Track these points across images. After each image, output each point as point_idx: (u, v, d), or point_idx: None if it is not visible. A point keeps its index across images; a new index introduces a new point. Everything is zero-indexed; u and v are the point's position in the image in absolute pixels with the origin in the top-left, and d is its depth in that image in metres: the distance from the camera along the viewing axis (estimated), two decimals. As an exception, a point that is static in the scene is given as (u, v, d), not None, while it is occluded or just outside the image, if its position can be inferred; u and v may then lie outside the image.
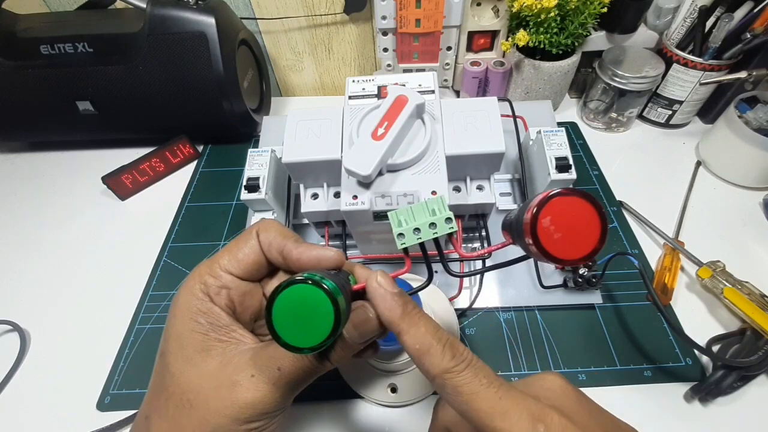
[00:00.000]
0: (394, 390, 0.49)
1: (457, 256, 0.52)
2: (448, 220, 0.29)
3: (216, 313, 0.31)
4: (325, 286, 0.25)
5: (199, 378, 0.29)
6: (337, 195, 0.48)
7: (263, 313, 0.26)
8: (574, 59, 0.74)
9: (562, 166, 0.49)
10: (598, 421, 0.26)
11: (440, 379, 0.26)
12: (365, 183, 0.40)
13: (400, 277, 0.32)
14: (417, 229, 0.29)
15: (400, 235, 0.29)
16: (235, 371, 0.29)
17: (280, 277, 0.35)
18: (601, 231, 0.24)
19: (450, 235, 0.29)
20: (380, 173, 0.41)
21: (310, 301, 0.25)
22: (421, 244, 0.30)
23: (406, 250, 0.30)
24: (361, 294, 0.30)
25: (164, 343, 0.31)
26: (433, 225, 0.29)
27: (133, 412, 0.50)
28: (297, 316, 0.25)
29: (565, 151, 0.50)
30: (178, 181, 0.75)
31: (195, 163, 0.79)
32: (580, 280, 0.52)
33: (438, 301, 0.53)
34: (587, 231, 0.25)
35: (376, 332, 0.30)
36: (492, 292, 0.56)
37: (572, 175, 0.49)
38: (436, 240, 0.30)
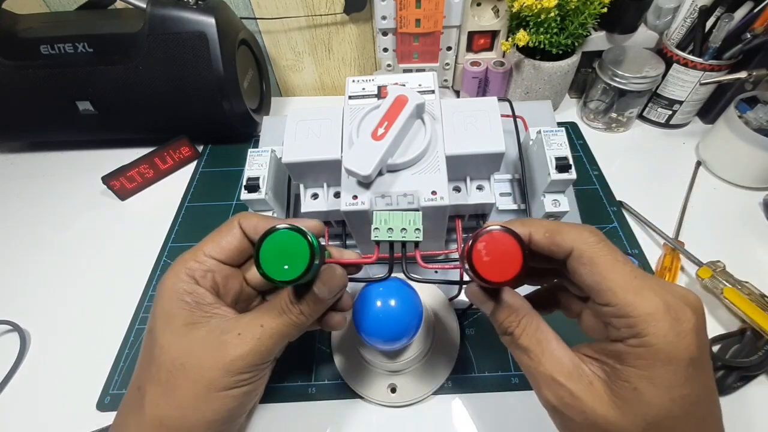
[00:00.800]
0: (393, 390, 0.49)
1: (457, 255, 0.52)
2: (417, 230, 0.34)
3: (201, 293, 0.34)
4: (304, 230, 0.30)
5: (189, 344, 0.32)
6: (337, 195, 0.48)
7: (254, 258, 0.30)
8: (574, 59, 0.74)
9: (562, 166, 0.49)
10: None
11: (579, 250, 0.29)
12: (365, 183, 0.40)
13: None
14: (390, 229, 0.34)
15: (376, 229, 0.34)
16: (223, 333, 0.32)
17: None
18: (522, 263, 0.28)
19: (415, 244, 0.34)
20: (380, 173, 0.41)
21: (291, 243, 0.30)
22: (391, 246, 0.35)
23: (377, 242, 0.34)
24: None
25: (152, 320, 0.33)
26: (404, 230, 0.34)
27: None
28: (280, 255, 0.29)
29: (565, 151, 0.50)
30: (178, 181, 0.75)
31: (195, 163, 0.79)
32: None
33: (438, 301, 0.53)
34: (511, 260, 0.28)
35: (342, 287, 0.35)
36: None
37: (572, 175, 0.49)
38: (403, 245, 0.35)
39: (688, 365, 0.26)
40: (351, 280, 0.37)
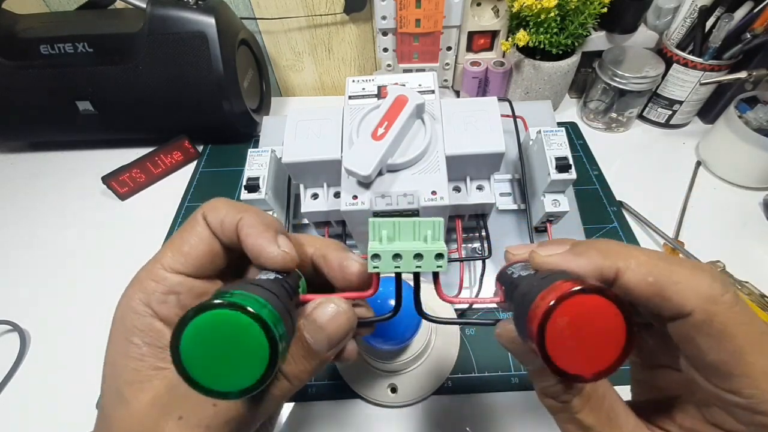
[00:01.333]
0: (394, 390, 0.49)
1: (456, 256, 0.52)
2: (439, 256, 0.23)
3: (157, 329, 0.25)
4: (251, 310, 0.19)
5: (128, 422, 0.23)
6: (337, 195, 0.48)
7: (171, 358, 0.19)
8: (574, 59, 0.74)
9: (562, 166, 0.49)
10: None
11: (704, 312, 0.19)
12: (365, 183, 0.40)
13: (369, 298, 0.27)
14: (398, 255, 0.23)
15: (375, 256, 0.23)
16: (162, 413, 0.23)
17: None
18: (626, 343, 0.19)
19: (435, 275, 0.25)
20: (380, 173, 0.40)
21: (232, 329, 0.19)
22: (398, 274, 0.25)
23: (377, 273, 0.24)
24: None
25: (103, 369, 0.25)
26: (419, 256, 0.23)
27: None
28: (217, 351, 0.19)
29: (565, 151, 0.50)
30: (178, 181, 0.75)
31: (195, 163, 0.79)
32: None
33: (438, 301, 0.53)
34: (609, 341, 0.19)
35: (350, 328, 0.24)
36: (491, 292, 0.56)
37: (572, 175, 0.49)
38: (415, 274, 0.25)
39: None
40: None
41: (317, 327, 0.23)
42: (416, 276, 0.25)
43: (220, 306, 0.18)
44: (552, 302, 0.18)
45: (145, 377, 0.23)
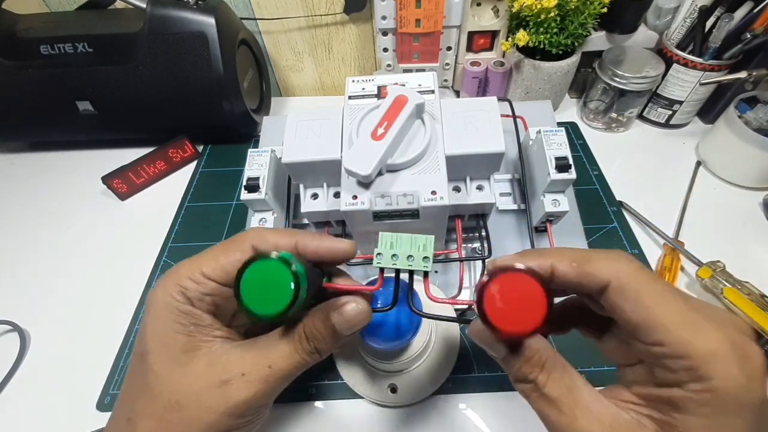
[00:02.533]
0: (394, 390, 0.49)
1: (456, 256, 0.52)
2: (425, 259, 0.30)
3: (197, 314, 0.30)
4: (286, 259, 0.27)
5: (187, 378, 0.29)
6: (337, 195, 0.48)
7: (233, 291, 0.27)
8: (574, 59, 0.74)
9: (561, 165, 0.49)
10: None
11: (618, 281, 0.25)
12: (365, 183, 0.40)
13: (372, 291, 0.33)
14: (395, 255, 0.30)
15: (379, 254, 0.30)
16: (225, 370, 0.29)
17: None
18: (546, 310, 0.24)
19: (424, 274, 0.31)
20: (380, 173, 0.41)
21: (273, 273, 0.27)
22: (397, 272, 0.31)
23: (381, 269, 0.31)
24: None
25: (143, 343, 0.30)
26: (411, 257, 0.30)
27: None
28: (261, 287, 0.26)
29: (565, 151, 0.50)
30: (178, 181, 0.75)
31: (195, 163, 0.79)
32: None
33: (441, 304, 0.53)
34: (533, 307, 0.24)
35: (366, 323, 0.31)
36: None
37: (572, 174, 0.49)
38: (410, 273, 0.32)
39: (757, 411, 0.22)
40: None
41: (344, 320, 0.30)
42: (410, 275, 0.32)
43: (268, 257, 0.27)
44: (486, 279, 0.25)
45: (196, 347, 0.29)
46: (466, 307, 0.54)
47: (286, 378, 0.30)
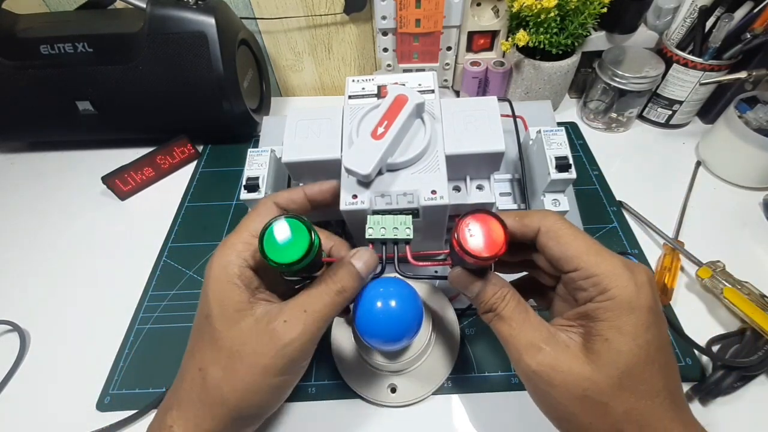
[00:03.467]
0: (393, 390, 0.49)
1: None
2: (407, 229, 0.37)
3: (249, 276, 0.36)
4: (303, 219, 0.33)
5: (241, 333, 0.34)
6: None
7: (258, 247, 0.32)
8: (574, 59, 0.74)
9: (562, 165, 0.49)
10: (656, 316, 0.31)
11: (545, 227, 0.33)
12: (365, 182, 0.40)
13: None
14: (383, 228, 0.37)
15: (370, 228, 0.37)
16: (270, 322, 0.34)
17: None
18: (506, 238, 0.32)
19: (407, 242, 0.37)
20: (380, 172, 0.40)
21: (290, 227, 0.33)
22: (383, 244, 0.38)
23: (371, 241, 0.38)
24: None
25: (206, 305, 0.35)
26: (395, 229, 0.37)
27: (133, 412, 0.50)
28: (282, 242, 0.32)
29: (565, 151, 0.50)
30: (178, 181, 0.75)
31: (195, 163, 0.79)
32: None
33: (438, 301, 0.53)
34: (496, 237, 0.32)
35: (375, 267, 0.38)
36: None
37: (572, 174, 0.49)
38: (395, 244, 0.38)
39: (648, 313, 0.30)
40: None
41: (362, 262, 0.37)
42: (395, 243, 0.38)
43: (287, 216, 0.33)
44: (458, 218, 0.33)
45: (246, 307, 0.35)
46: (465, 307, 0.54)
47: (321, 319, 0.35)
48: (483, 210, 0.33)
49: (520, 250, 0.37)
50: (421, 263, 0.38)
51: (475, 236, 0.32)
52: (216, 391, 0.34)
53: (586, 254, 0.31)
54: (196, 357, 0.36)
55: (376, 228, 0.37)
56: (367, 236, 0.37)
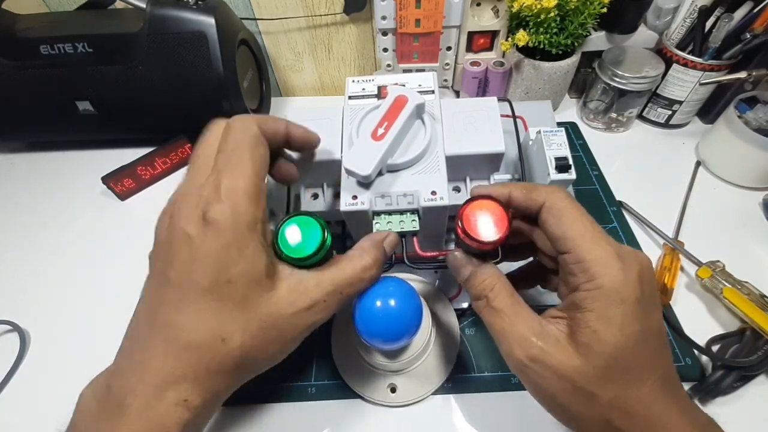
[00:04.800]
0: (393, 390, 0.49)
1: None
2: (413, 221, 0.39)
3: (268, 230, 0.34)
4: (311, 213, 0.35)
5: (277, 304, 0.32)
6: (336, 195, 0.48)
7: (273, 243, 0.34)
8: (574, 59, 0.74)
9: (561, 166, 0.49)
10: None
11: (549, 202, 0.33)
12: (365, 183, 0.40)
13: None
14: (390, 222, 0.39)
15: (377, 223, 0.39)
16: (308, 297, 0.33)
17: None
18: (508, 224, 0.34)
19: (414, 233, 0.40)
20: (380, 173, 0.40)
21: (303, 224, 0.34)
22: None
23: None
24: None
25: (224, 271, 0.30)
26: (402, 222, 0.39)
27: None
28: (296, 236, 0.34)
29: (565, 151, 0.50)
30: (178, 181, 0.75)
31: (195, 163, 0.79)
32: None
33: (438, 301, 0.53)
34: (499, 222, 0.34)
35: (396, 244, 0.39)
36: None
37: (572, 175, 0.49)
38: (402, 237, 0.40)
39: (636, 304, 0.29)
40: None
41: (389, 241, 0.38)
42: (402, 237, 0.40)
43: (302, 213, 0.35)
44: (462, 204, 0.35)
45: (274, 270, 0.33)
46: (465, 306, 0.54)
47: (352, 297, 0.36)
48: (487, 195, 0.34)
49: (520, 231, 0.38)
50: (428, 253, 0.40)
51: (478, 222, 0.34)
52: (239, 360, 0.31)
53: (582, 238, 0.31)
54: (217, 326, 0.31)
55: (382, 222, 0.39)
56: (374, 230, 0.39)
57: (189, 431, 0.31)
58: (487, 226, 0.33)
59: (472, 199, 0.35)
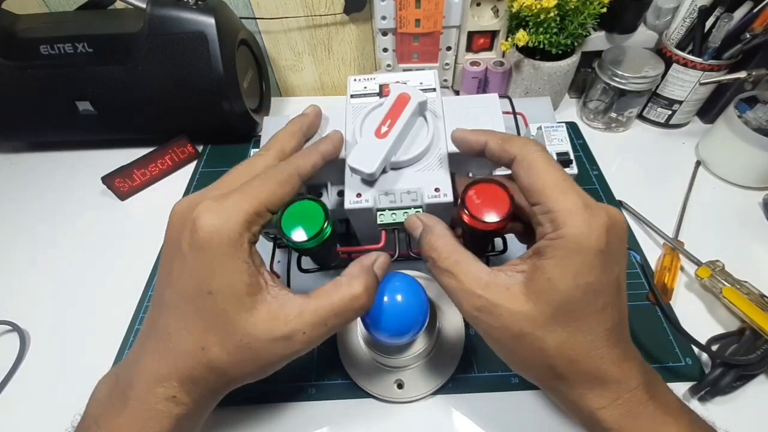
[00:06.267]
0: (400, 386, 0.49)
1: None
2: (417, 210, 0.39)
3: (255, 252, 0.33)
4: (317, 199, 0.36)
5: (255, 326, 0.31)
6: (340, 193, 0.48)
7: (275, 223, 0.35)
8: (574, 59, 0.74)
9: (563, 161, 0.49)
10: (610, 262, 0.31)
11: (521, 155, 0.33)
12: (369, 181, 0.40)
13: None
14: (394, 214, 0.39)
15: (382, 214, 0.39)
16: (287, 326, 0.32)
17: None
18: (509, 207, 0.34)
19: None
20: (384, 171, 0.41)
21: (308, 208, 0.36)
22: (394, 231, 0.41)
23: (384, 227, 0.40)
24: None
25: (205, 282, 0.31)
26: (405, 213, 0.39)
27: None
28: (298, 220, 0.35)
29: (566, 146, 0.50)
30: (178, 181, 0.75)
31: (195, 163, 0.79)
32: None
33: (443, 296, 0.53)
34: (500, 206, 0.34)
35: (388, 267, 0.39)
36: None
37: (573, 170, 0.49)
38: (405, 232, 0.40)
39: (595, 256, 0.29)
40: None
41: (378, 265, 0.37)
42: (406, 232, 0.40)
43: (305, 197, 0.36)
44: (464, 187, 0.36)
45: (257, 290, 0.32)
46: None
47: (337, 329, 0.35)
48: (487, 179, 0.36)
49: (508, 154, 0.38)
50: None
51: (481, 206, 0.35)
52: (219, 371, 0.32)
53: (551, 189, 0.31)
54: (198, 334, 0.32)
55: (387, 214, 0.39)
56: (378, 222, 0.39)
57: (184, 423, 0.33)
58: (489, 208, 0.34)
59: (475, 182, 0.35)
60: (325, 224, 0.35)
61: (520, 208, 0.37)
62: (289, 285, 0.53)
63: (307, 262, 0.46)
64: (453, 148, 0.42)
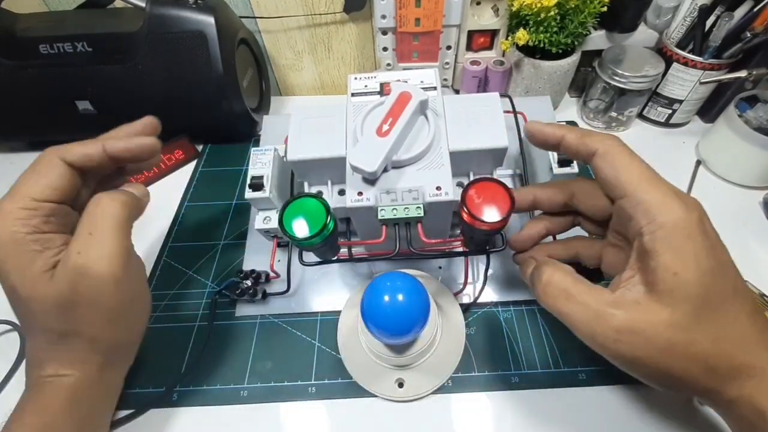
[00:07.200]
0: (401, 385, 0.49)
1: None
2: (418, 208, 0.39)
3: (48, 238, 0.37)
4: (317, 196, 0.37)
5: (53, 285, 0.36)
6: (341, 192, 0.48)
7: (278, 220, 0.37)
8: (574, 58, 0.74)
9: (563, 160, 0.49)
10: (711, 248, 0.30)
11: (603, 149, 0.33)
12: (370, 180, 0.40)
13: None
14: (395, 209, 0.39)
15: (382, 210, 0.39)
16: (66, 262, 0.36)
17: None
18: (510, 205, 0.35)
19: (418, 220, 0.40)
20: (385, 170, 0.41)
21: (308, 205, 0.37)
22: (395, 226, 0.41)
23: (384, 222, 0.40)
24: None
25: (7, 281, 0.36)
26: (406, 209, 0.39)
27: (130, 411, 0.50)
28: (300, 217, 0.37)
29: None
30: (178, 181, 0.75)
31: (195, 162, 0.79)
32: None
33: (443, 296, 0.53)
34: (501, 205, 0.35)
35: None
36: (495, 287, 0.56)
37: (574, 169, 0.49)
38: (407, 225, 0.41)
39: (704, 239, 0.29)
40: (360, 260, 0.49)
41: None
42: (407, 224, 0.41)
43: (309, 195, 0.37)
44: (465, 186, 0.37)
45: (53, 263, 0.36)
46: (469, 302, 0.54)
47: (113, 228, 0.39)
48: (488, 178, 0.37)
49: (562, 193, 0.39)
50: (432, 240, 0.41)
51: (482, 204, 0.35)
52: (70, 337, 0.38)
53: (638, 180, 0.31)
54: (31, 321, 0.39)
55: (387, 209, 0.39)
56: (379, 217, 0.39)
57: (80, 390, 0.39)
58: (491, 208, 0.35)
59: (475, 181, 0.36)
60: (328, 220, 0.36)
61: (593, 206, 0.37)
62: (289, 281, 0.53)
63: (308, 255, 0.46)
64: (454, 147, 0.42)
